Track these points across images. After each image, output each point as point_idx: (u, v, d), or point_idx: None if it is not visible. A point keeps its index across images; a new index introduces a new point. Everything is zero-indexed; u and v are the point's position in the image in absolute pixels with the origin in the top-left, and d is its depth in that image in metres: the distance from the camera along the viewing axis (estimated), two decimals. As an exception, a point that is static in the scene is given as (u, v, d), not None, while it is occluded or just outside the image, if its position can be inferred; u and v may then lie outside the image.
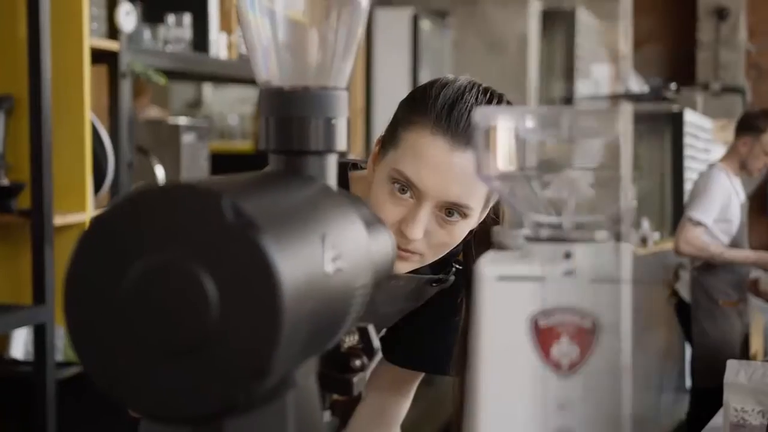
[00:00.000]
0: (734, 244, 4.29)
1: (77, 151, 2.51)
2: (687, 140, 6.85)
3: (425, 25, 5.30)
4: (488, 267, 0.70)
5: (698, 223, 4.16)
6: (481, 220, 1.33)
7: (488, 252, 0.77)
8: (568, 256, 0.70)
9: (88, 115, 2.52)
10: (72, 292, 0.64)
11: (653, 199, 6.79)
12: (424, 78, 6.01)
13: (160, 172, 2.95)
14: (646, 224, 6.32)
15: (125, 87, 2.72)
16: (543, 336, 0.68)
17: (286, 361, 0.64)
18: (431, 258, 1.28)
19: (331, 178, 0.82)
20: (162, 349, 0.61)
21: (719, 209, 4.19)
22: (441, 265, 1.38)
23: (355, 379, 0.84)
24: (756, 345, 4.96)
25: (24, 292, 2.42)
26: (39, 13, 2.36)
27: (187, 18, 3.05)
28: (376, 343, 0.89)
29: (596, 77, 7.70)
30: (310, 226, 0.68)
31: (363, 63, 4.71)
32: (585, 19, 7.41)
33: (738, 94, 8.95)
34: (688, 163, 6.90)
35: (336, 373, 0.86)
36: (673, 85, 6.49)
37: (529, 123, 0.72)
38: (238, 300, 0.60)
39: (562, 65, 7.19)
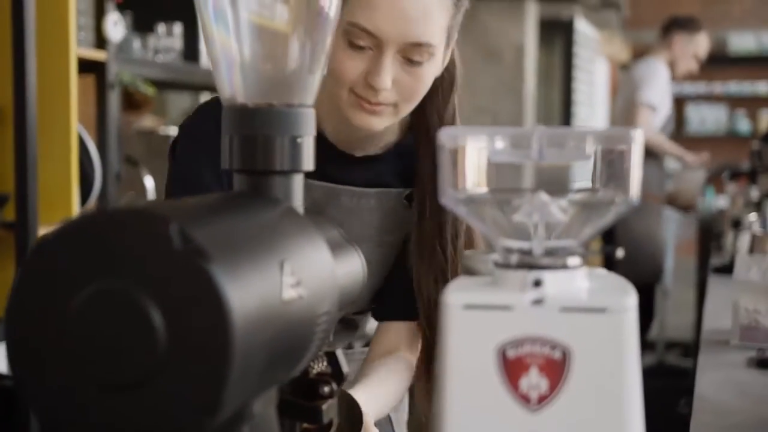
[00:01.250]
0: (662, 131, 4.38)
1: (63, 162, 2.48)
2: (576, 49, 6.96)
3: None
4: (454, 294, 0.67)
5: (652, 107, 4.22)
6: (446, 62, 1.29)
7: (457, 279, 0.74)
8: (537, 283, 0.67)
9: (75, 126, 2.49)
10: (14, 317, 0.61)
11: (543, 107, 6.87)
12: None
13: (149, 183, 2.92)
14: None
15: (113, 97, 2.69)
16: (511, 367, 0.65)
17: (241, 394, 0.61)
18: (406, 109, 1.25)
19: (297, 199, 0.79)
20: (105, 381, 0.58)
21: (660, 98, 4.27)
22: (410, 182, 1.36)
23: (325, 407, 0.81)
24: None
25: (7, 306, 2.39)
26: (24, 22, 2.33)
27: (177, 27, 3.02)
28: (346, 368, 0.86)
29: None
30: (267, 251, 0.65)
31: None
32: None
33: (614, 9, 9.02)
34: (575, 73, 7.02)
35: (304, 400, 0.83)
36: None
37: (498, 144, 0.69)
38: (186, 331, 0.57)
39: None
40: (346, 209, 1.33)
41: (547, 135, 0.68)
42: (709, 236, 4.54)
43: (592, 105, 8.14)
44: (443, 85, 1.32)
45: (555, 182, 0.70)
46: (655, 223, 4.32)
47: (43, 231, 2.39)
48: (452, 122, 1.34)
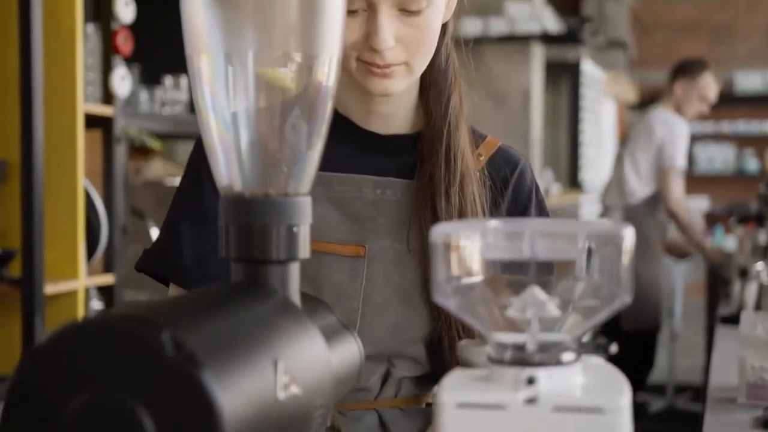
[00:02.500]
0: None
1: (70, 218, 2.49)
2: (582, 91, 6.98)
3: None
4: (449, 393, 0.67)
5: (682, 172, 4.23)
6: (452, 3, 1.23)
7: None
8: (531, 381, 0.67)
9: (82, 181, 2.51)
10: (8, 424, 0.61)
11: (550, 149, 6.88)
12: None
13: (156, 235, 2.93)
14: (549, 175, 6.33)
15: (120, 151, 2.71)
16: (505, 468, 0.65)
17: (234, 497, 0.61)
18: (419, 64, 1.17)
19: (293, 287, 0.79)
20: (97, 491, 0.58)
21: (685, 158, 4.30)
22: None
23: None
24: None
25: (14, 363, 2.39)
26: (32, 78, 2.36)
27: (184, 80, 3.05)
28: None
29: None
30: (261, 350, 0.66)
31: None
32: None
33: (621, 49, 9.07)
34: (582, 115, 7.06)
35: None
36: (588, 27, 6.51)
37: (490, 240, 0.69)
38: (178, 439, 0.57)
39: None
40: (370, 202, 1.23)
41: (539, 231, 0.68)
42: (717, 282, 4.53)
43: (600, 146, 8.16)
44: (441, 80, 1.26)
45: (548, 277, 0.70)
46: (655, 270, 4.32)
47: (49, 287, 2.40)
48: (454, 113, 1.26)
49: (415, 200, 1.22)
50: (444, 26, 1.23)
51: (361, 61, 1.15)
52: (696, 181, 9.93)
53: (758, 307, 2.86)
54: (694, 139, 9.85)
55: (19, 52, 2.37)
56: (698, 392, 5.16)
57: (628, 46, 9.39)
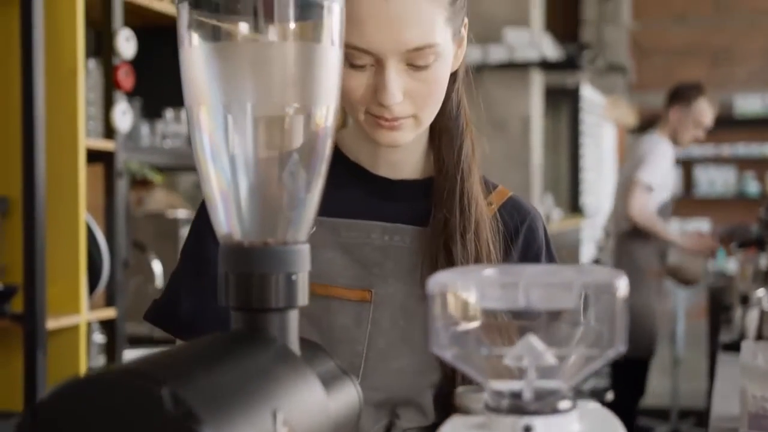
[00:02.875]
0: (660, 213, 4.36)
1: (72, 253, 2.50)
2: (582, 116, 7.00)
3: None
4: (446, 443, 0.68)
5: (649, 188, 4.22)
6: (460, 53, 1.22)
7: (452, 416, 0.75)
8: (528, 430, 0.67)
9: (83, 216, 2.52)
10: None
11: (551, 174, 6.89)
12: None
13: (157, 268, 2.94)
14: (550, 200, 6.34)
15: (121, 186, 2.72)
16: None
17: None
18: (427, 117, 1.18)
19: (292, 334, 0.80)
20: None
21: (660, 177, 4.27)
22: None
23: None
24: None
25: (15, 398, 2.40)
26: (34, 114, 2.38)
27: (185, 113, 3.07)
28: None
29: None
30: (260, 402, 0.66)
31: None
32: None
33: (621, 73, 9.10)
34: (582, 140, 7.07)
35: None
36: (587, 53, 6.52)
37: (485, 288, 0.70)
38: (178, 494, 0.58)
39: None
40: (378, 248, 1.23)
41: (534, 281, 0.69)
42: (719, 307, 4.52)
43: (600, 170, 8.18)
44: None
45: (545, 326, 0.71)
46: (648, 298, 4.31)
47: (51, 322, 2.40)
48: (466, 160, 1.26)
49: (429, 246, 1.22)
50: (454, 74, 1.24)
51: (370, 114, 1.16)
52: (697, 204, 9.94)
53: (760, 334, 2.86)
54: (695, 162, 9.89)
55: (21, 88, 2.39)
56: (702, 417, 5.15)
57: (627, 70, 9.43)
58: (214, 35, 0.79)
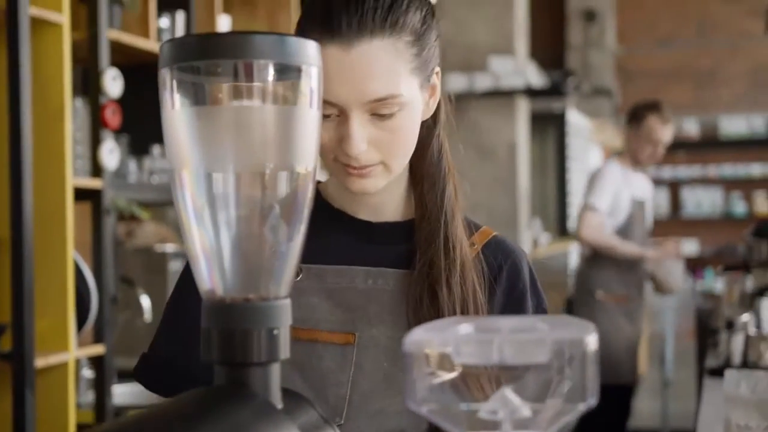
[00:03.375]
0: (622, 235, 4.37)
1: (60, 290, 2.51)
2: (568, 140, 7.04)
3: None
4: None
5: (595, 209, 4.26)
6: (432, 102, 1.23)
7: None
8: (503, 482, 0.69)
9: (71, 254, 2.53)
10: None
11: (539, 198, 6.92)
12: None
13: (145, 303, 2.95)
14: (538, 224, 6.36)
15: (109, 223, 2.74)
16: None
17: None
18: (397, 164, 1.19)
19: (274, 387, 0.82)
20: None
21: (610, 199, 4.30)
22: None
23: None
24: (642, 359, 4.93)
25: (4, 437, 2.40)
26: (22, 153, 2.39)
27: (172, 148, 3.09)
28: None
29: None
30: (242, 461, 0.68)
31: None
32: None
33: (606, 96, 9.17)
34: (568, 164, 7.11)
35: None
36: (571, 80, 6.55)
37: (460, 345, 0.72)
38: None
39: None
40: (361, 291, 1.25)
41: (508, 338, 0.71)
42: (706, 329, 4.54)
43: (587, 193, 8.21)
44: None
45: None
46: (616, 324, 4.31)
47: (39, 361, 2.41)
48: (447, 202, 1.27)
49: (413, 290, 1.23)
50: (435, 118, 1.26)
51: (339, 162, 1.18)
52: (684, 225, 10.01)
53: (745, 359, 2.88)
54: (682, 183, 9.95)
55: (9, 127, 2.41)
56: (692, 440, 5.16)
57: (613, 94, 9.50)
58: (196, 99, 0.82)
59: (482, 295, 1.26)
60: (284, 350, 0.83)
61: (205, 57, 0.81)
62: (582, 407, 0.72)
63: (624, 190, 4.37)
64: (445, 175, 1.28)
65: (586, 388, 0.71)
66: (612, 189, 4.31)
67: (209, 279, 0.84)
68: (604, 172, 4.39)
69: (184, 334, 1.24)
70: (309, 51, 0.83)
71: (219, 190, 0.82)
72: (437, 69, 1.24)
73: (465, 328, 0.75)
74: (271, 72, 0.81)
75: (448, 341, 0.72)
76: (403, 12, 1.16)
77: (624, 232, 4.39)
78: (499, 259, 1.31)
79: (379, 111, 1.14)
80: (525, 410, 0.72)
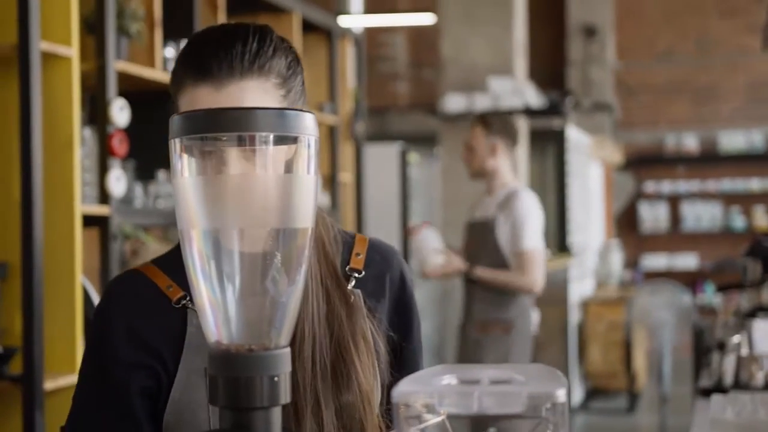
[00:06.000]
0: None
1: (68, 315, 2.58)
2: (568, 156, 7.11)
3: (413, 158, 5.44)
4: None
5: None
6: None
7: None
8: None
9: (79, 279, 2.61)
10: None
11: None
12: (414, 207, 6.17)
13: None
14: None
15: (115, 249, 2.82)
16: None
17: None
18: None
19: (275, 429, 0.90)
20: None
21: None
22: None
23: None
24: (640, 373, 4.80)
25: (14, 460, 2.48)
26: (32, 182, 2.47)
27: (177, 173, 3.17)
28: None
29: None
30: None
31: (354, 197, 4.83)
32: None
33: (606, 112, 9.24)
34: (568, 180, 7.19)
35: None
36: (569, 100, 6.57)
37: (444, 398, 0.80)
38: None
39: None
40: None
41: (487, 391, 0.79)
42: (702, 346, 4.60)
43: (588, 209, 8.29)
44: None
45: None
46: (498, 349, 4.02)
47: (48, 383, 2.49)
48: None
49: None
50: None
51: None
52: (684, 239, 10.08)
53: (736, 380, 2.94)
54: (682, 197, 10.03)
55: (20, 158, 2.49)
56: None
57: (613, 109, 9.58)
58: (203, 168, 0.90)
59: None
60: (285, 395, 0.90)
61: (212, 130, 0.89)
62: (554, 452, 0.79)
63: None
64: None
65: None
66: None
67: (216, 330, 0.92)
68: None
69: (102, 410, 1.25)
70: (306, 122, 0.91)
71: (224, 247, 0.90)
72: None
73: (447, 380, 0.83)
74: (271, 142, 0.89)
75: (432, 393, 0.80)
76: (269, 58, 1.24)
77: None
78: (382, 261, 1.37)
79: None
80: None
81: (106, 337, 1.27)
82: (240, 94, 1.21)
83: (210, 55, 1.21)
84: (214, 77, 1.20)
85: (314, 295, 1.28)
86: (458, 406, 0.80)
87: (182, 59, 1.25)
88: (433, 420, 0.81)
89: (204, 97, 1.21)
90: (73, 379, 2.62)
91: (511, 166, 4.14)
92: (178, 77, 1.24)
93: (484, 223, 3.98)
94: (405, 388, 0.81)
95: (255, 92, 1.22)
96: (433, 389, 0.80)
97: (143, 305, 1.29)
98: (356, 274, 1.32)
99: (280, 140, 0.90)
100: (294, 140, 0.90)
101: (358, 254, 1.35)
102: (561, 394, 0.79)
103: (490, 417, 0.81)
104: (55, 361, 2.56)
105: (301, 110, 0.91)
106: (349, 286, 1.31)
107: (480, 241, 3.97)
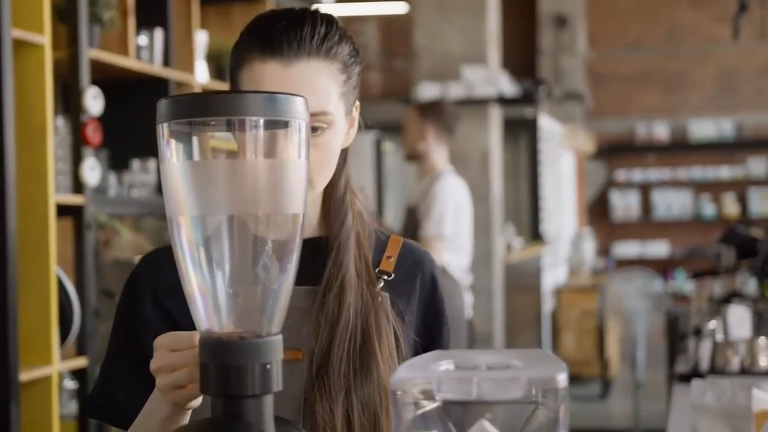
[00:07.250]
0: None
1: (43, 305, 2.55)
2: (540, 145, 7.15)
3: (387, 147, 5.42)
4: None
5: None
6: (352, 132, 1.31)
7: None
8: None
9: (54, 270, 2.58)
10: None
11: (512, 204, 7.02)
12: (389, 197, 6.17)
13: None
14: (511, 229, 6.42)
15: (90, 238, 2.78)
16: None
17: None
18: (318, 182, 1.25)
19: (268, 417, 0.88)
20: None
21: None
22: None
23: None
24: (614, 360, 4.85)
25: (-10, 451, 2.44)
26: (5, 172, 2.43)
27: (152, 163, 3.14)
28: None
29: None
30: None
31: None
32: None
33: (578, 101, 9.29)
34: (541, 168, 7.23)
35: None
36: (542, 89, 6.58)
37: (443, 384, 0.79)
38: None
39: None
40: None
41: (486, 376, 0.78)
42: (676, 332, 4.61)
43: (560, 197, 8.33)
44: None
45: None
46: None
47: (23, 375, 2.46)
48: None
49: (319, 305, 1.27)
50: (346, 152, 1.33)
51: None
52: (655, 227, 10.14)
53: (713, 366, 2.95)
54: (652, 185, 10.09)
55: (-8, 146, 2.45)
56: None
57: (584, 98, 9.61)
58: (191, 152, 0.88)
59: (391, 311, 1.30)
60: (276, 383, 0.89)
61: (200, 114, 0.87)
62: (552, 437, 0.79)
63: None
64: (347, 209, 1.32)
65: (558, 420, 0.78)
66: None
67: (206, 318, 0.90)
68: None
69: (132, 364, 1.25)
70: (297, 107, 0.89)
71: (213, 234, 0.88)
72: (357, 103, 1.32)
73: (446, 366, 0.82)
74: (261, 126, 0.87)
75: (430, 379, 0.79)
76: (336, 42, 1.25)
77: None
78: (414, 264, 1.36)
79: (311, 125, 1.19)
80: (501, 440, 0.78)
81: (135, 303, 1.28)
82: (309, 72, 1.22)
83: (281, 32, 1.22)
84: (284, 54, 1.21)
85: (352, 285, 1.27)
86: (457, 392, 0.79)
87: (249, 34, 1.25)
88: (430, 406, 0.80)
89: (271, 73, 1.21)
90: (48, 370, 2.59)
91: (443, 153, 4.14)
92: (242, 52, 1.24)
93: (411, 208, 4.05)
94: (403, 374, 0.80)
95: (321, 73, 1.23)
96: (432, 375, 0.79)
97: (168, 278, 1.25)
98: (385, 277, 1.32)
99: (270, 125, 0.88)
100: (285, 125, 0.89)
101: (389, 257, 1.35)
102: (561, 379, 0.78)
103: (489, 403, 0.80)
104: (29, 353, 2.53)
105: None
106: (378, 288, 1.30)
107: (409, 226, 4.01)
